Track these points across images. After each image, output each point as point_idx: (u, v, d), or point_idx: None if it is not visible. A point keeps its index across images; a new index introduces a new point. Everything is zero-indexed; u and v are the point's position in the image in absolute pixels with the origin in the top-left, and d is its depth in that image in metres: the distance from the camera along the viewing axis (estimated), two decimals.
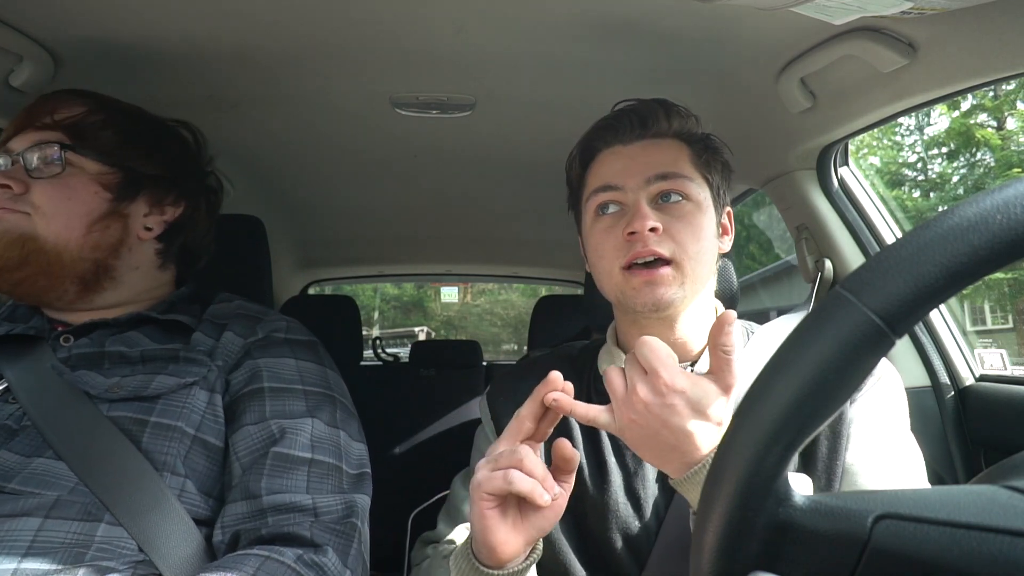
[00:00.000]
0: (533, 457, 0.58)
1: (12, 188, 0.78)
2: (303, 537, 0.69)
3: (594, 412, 0.59)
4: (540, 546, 0.64)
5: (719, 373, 0.57)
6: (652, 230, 0.71)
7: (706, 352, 0.77)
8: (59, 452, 0.69)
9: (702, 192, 0.76)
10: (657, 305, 0.71)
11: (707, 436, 0.56)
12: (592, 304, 1.06)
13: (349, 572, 0.71)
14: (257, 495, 0.72)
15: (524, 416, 0.60)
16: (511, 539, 0.59)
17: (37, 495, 0.66)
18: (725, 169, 0.81)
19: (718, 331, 0.56)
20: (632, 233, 0.71)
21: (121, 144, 0.85)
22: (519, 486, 0.56)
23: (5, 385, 0.76)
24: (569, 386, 0.59)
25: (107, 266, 0.83)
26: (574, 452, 0.60)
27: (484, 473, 0.59)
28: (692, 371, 0.70)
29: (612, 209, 0.76)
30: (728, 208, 0.82)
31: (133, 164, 0.85)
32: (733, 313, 0.56)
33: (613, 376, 0.58)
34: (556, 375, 0.59)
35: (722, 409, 0.57)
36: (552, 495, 0.56)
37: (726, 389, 0.57)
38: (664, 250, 0.71)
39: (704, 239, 0.74)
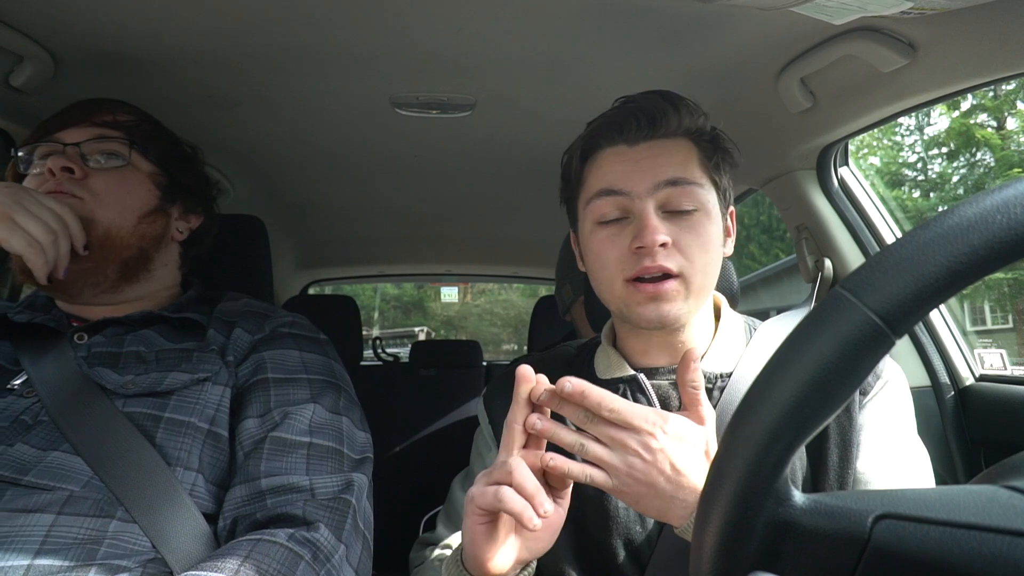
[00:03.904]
0: (524, 471, 0.55)
1: (75, 172, 0.83)
2: (296, 516, 0.70)
3: (589, 471, 0.56)
4: (534, 565, 0.63)
5: (692, 408, 0.59)
6: (662, 245, 0.67)
7: (711, 350, 0.76)
8: (75, 446, 0.70)
9: (711, 198, 0.72)
10: (663, 322, 0.69)
11: (698, 472, 0.56)
12: (590, 305, 1.06)
13: (344, 547, 0.70)
14: (256, 478, 0.73)
15: (511, 422, 0.58)
16: (500, 555, 0.58)
17: (51, 490, 0.66)
18: (732, 168, 0.77)
19: (684, 368, 0.58)
20: (640, 247, 0.68)
21: (169, 153, 0.94)
22: (509, 505, 0.54)
23: (24, 378, 0.76)
24: (543, 378, 0.57)
25: (148, 256, 0.89)
26: (567, 468, 0.57)
27: (479, 487, 0.57)
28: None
29: (616, 216, 0.71)
30: (732, 208, 0.79)
31: (175, 173, 0.94)
32: (695, 351, 0.59)
33: (596, 447, 0.56)
34: (526, 369, 0.57)
35: (704, 439, 0.58)
36: (542, 513, 0.54)
37: (700, 421, 0.58)
38: (672, 265, 0.68)
39: (712, 249, 0.71)
